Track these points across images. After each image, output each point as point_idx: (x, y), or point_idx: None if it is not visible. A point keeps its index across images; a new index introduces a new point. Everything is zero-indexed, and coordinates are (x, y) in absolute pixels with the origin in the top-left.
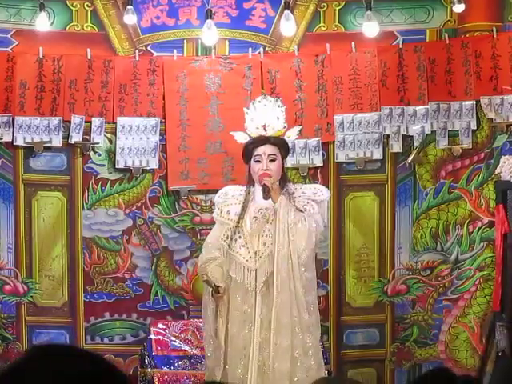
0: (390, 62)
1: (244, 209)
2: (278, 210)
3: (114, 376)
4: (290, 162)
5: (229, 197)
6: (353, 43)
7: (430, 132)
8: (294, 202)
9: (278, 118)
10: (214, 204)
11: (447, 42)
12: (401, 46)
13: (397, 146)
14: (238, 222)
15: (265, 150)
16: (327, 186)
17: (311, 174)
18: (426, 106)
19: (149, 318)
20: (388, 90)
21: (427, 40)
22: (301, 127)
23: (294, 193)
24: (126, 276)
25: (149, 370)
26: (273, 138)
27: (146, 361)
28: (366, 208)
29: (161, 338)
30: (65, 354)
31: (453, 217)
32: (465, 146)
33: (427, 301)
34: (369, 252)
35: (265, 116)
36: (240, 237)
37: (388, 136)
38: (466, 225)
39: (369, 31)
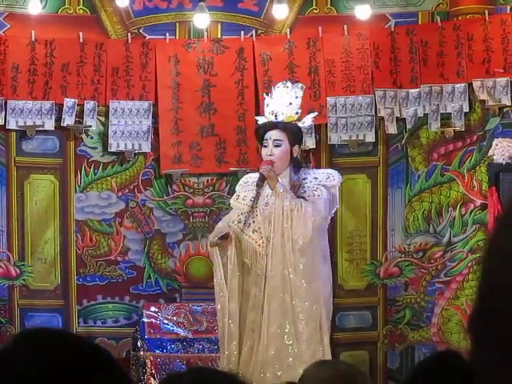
0: (382, 45)
1: (258, 194)
2: (274, 197)
3: (107, 364)
4: None
5: (249, 184)
6: (345, 26)
7: (422, 115)
8: (303, 187)
9: (290, 103)
10: (206, 187)
11: (439, 24)
12: (393, 29)
13: (392, 128)
14: (252, 207)
15: (271, 135)
16: (320, 169)
17: (304, 157)
18: (418, 89)
19: (141, 300)
20: (381, 72)
21: (419, 23)
22: (316, 113)
23: (306, 178)
24: (119, 259)
25: (141, 353)
26: (281, 123)
27: (139, 344)
28: (359, 190)
29: (153, 321)
30: (53, 340)
31: (445, 199)
32: (457, 128)
33: (420, 283)
34: (361, 234)
35: (277, 102)
36: (254, 221)
37: (382, 118)
38: (458, 207)
39: (361, 14)
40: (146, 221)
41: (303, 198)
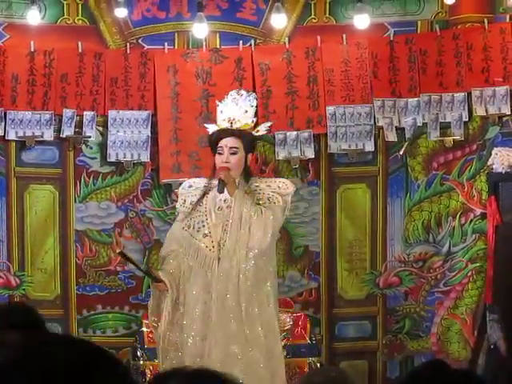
0: (381, 54)
1: (201, 199)
2: (233, 203)
3: (108, 364)
4: (282, 154)
5: (193, 188)
6: (344, 35)
7: (421, 124)
8: (258, 194)
9: (246, 111)
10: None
11: (438, 33)
12: (392, 38)
13: (391, 136)
14: (192, 210)
15: (227, 143)
16: (319, 178)
17: (302, 167)
18: (417, 98)
19: (141, 310)
20: (380, 81)
21: (418, 32)
22: (271, 123)
23: (258, 185)
24: (118, 269)
25: (141, 362)
26: (237, 131)
27: (139, 353)
28: (358, 200)
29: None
30: (55, 342)
31: (445, 208)
32: (457, 137)
33: (419, 293)
34: (361, 244)
35: (232, 109)
36: (203, 226)
37: (381, 128)
38: (458, 217)
39: (360, 23)
40: (146, 231)
41: (259, 204)
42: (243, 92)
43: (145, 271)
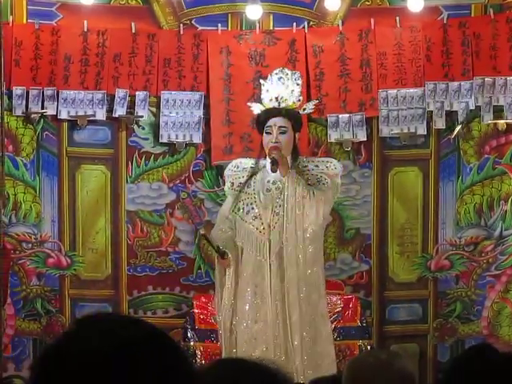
0: (434, 38)
1: (249, 180)
2: (286, 184)
3: (165, 346)
4: (334, 136)
5: (240, 169)
6: (397, 18)
7: (474, 107)
8: (306, 174)
9: (292, 90)
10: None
11: (492, 17)
12: (445, 22)
13: (440, 123)
14: (239, 192)
15: (275, 122)
16: (371, 161)
17: (355, 149)
18: (470, 82)
19: (192, 291)
20: (432, 65)
21: (472, 15)
22: (316, 101)
23: (306, 166)
24: (169, 250)
25: (192, 343)
26: (285, 110)
27: (189, 334)
28: (410, 183)
29: (203, 311)
30: (113, 322)
31: (497, 192)
32: (509, 121)
33: (471, 276)
34: (412, 227)
35: (279, 88)
36: (253, 208)
37: (432, 112)
38: (510, 200)
39: (414, 6)
40: (197, 212)
41: (309, 185)
42: (288, 71)
43: (219, 250)
